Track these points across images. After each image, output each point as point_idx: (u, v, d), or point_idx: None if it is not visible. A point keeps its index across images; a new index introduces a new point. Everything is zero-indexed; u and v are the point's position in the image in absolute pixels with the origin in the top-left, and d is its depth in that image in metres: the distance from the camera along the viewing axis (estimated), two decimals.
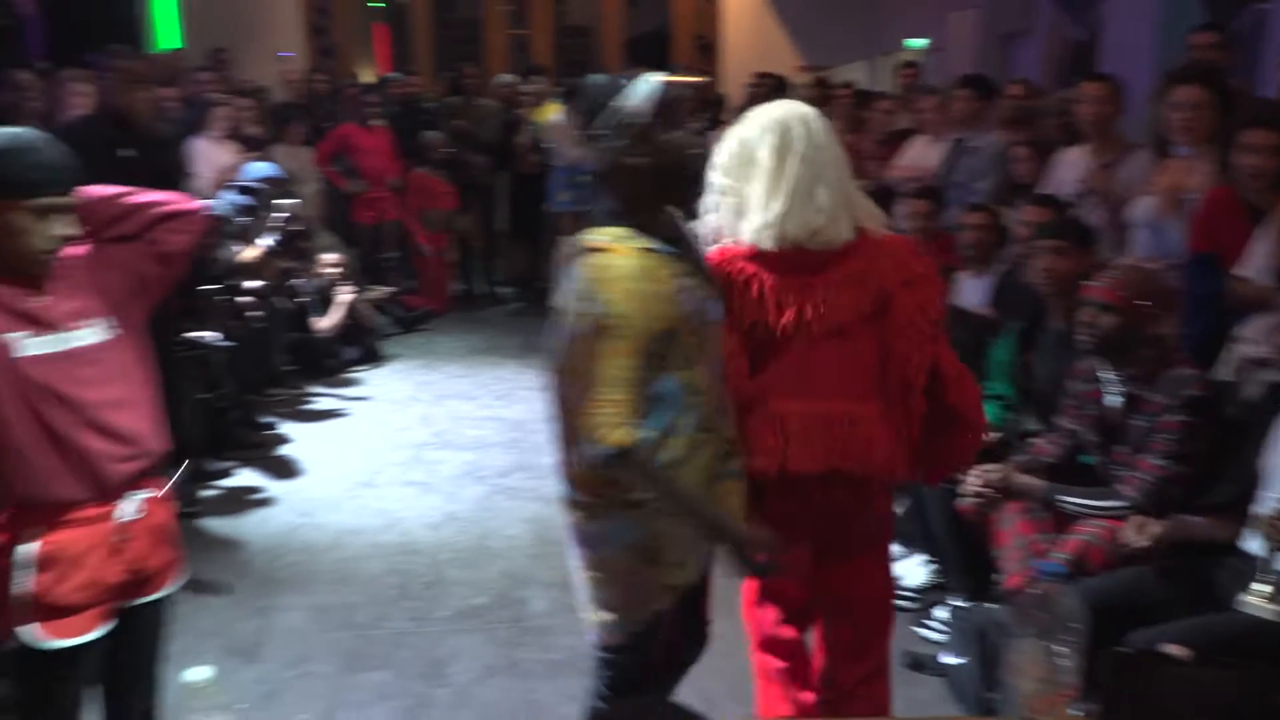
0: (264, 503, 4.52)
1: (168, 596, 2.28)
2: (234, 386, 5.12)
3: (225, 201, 5.13)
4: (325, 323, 6.40)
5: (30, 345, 1.98)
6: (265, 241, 5.81)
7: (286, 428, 5.47)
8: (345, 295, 6.51)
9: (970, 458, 2.55)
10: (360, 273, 7.37)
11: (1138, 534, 2.63)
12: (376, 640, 3.40)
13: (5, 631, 1.97)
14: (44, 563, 1.97)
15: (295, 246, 5.90)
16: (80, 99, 5.53)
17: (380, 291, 7.29)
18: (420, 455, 5.08)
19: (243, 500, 4.55)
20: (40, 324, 2.01)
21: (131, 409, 2.12)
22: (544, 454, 4.91)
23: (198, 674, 1.74)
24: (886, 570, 2.49)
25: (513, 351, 6.93)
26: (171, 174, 4.40)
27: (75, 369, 2.03)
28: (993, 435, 3.30)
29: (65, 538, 2.00)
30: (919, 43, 9.02)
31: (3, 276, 2.00)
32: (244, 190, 5.27)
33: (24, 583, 1.95)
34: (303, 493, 4.62)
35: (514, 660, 3.29)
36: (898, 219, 5.44)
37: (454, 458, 5.01)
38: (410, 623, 3.51)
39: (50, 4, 7.85)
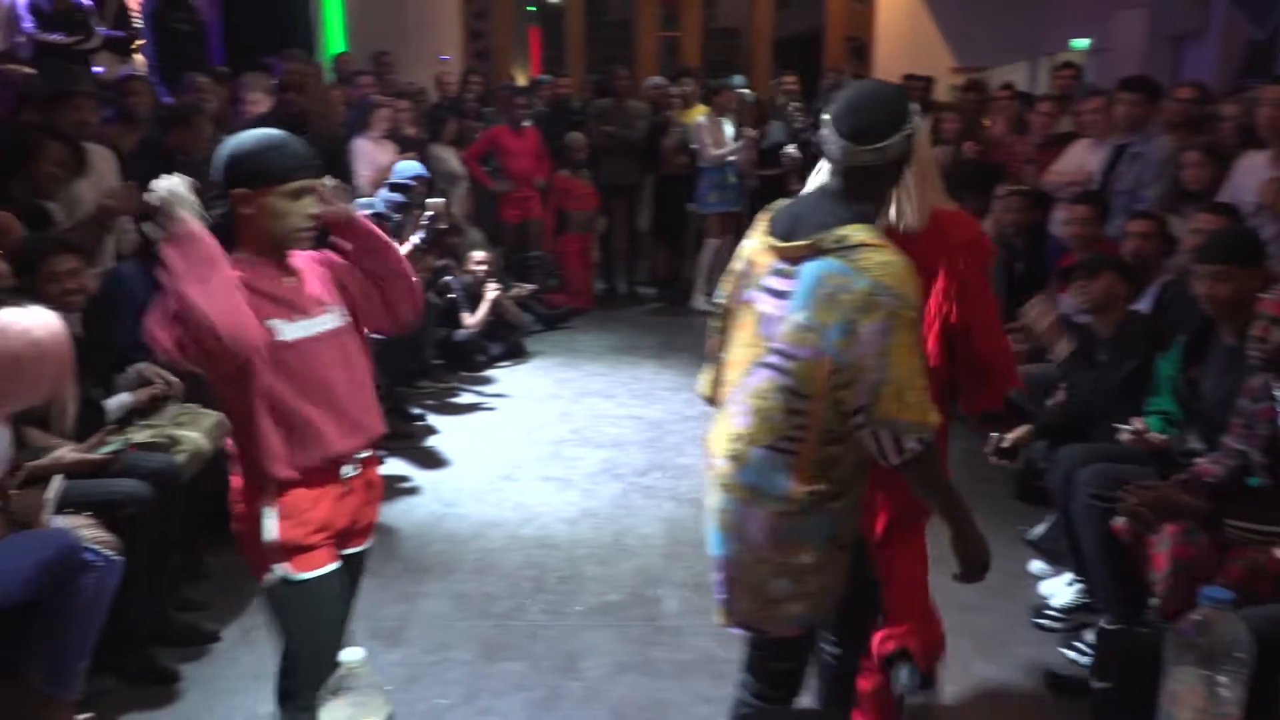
0: (411, 491, 4.67)
1: (367, 550, 2.55)
2: (385, 379, 5.30)
3: (381, 200, 5.35)
4: (472, 319, 6.57)
5: (286, 330, 2.23)
6: (414, 239, 6.04)
7: (434, 420, 5.64)
8: (492, 292, 6.66)
9: (998, 402, 2.62)
10: (505, 270, 7.56)
11: None
12: (513, 631, 3.47)
13: (263, 570, 2.28)
14: (284, 514, 2.25)
15: (443, 244, 6.10)
16: (257, 101, 5.84)
17: (525, 289, 7.45)
18: (559, 451, 5.16)
19: (392, 488, 4.70)
20: (294, 309, 2.26)
21: (360, 392, 2.37)
22: (681, 454, 5.00)
23: (351, 654, 1.85)
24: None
25: (652, 351, 6.98)
26: (340, 174, 4.59)
27: (320, 352, 2.28)
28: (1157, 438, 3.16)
29: (298, 494, 2.26)
30: (1083, 43, 8.68)
31: (259, 259, 2.26)
32: (395, 188, 5.48)
33: (272, 530, 2.24)
34: (447, 483, 4.75)
35: (646, 658, 3.30)
36: (1055, 224, 5.28)
37: (592, 455, 5.07)
38: (545, 616, 3.57)
39: (227, 11, 8.30)
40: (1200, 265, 3.20)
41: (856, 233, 2.01)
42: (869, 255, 1.98)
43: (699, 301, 8.17)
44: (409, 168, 6.06)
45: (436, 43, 9.97)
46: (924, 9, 10.18)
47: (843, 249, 2.00)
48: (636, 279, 8.77)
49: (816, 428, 2.05)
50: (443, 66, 9.41)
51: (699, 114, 8.00)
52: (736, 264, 2.27)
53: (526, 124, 7.86)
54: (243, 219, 2.25)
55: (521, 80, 10.57)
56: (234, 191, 2.22)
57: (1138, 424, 3.23)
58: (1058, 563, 3.71)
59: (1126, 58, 7.72)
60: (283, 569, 2.27)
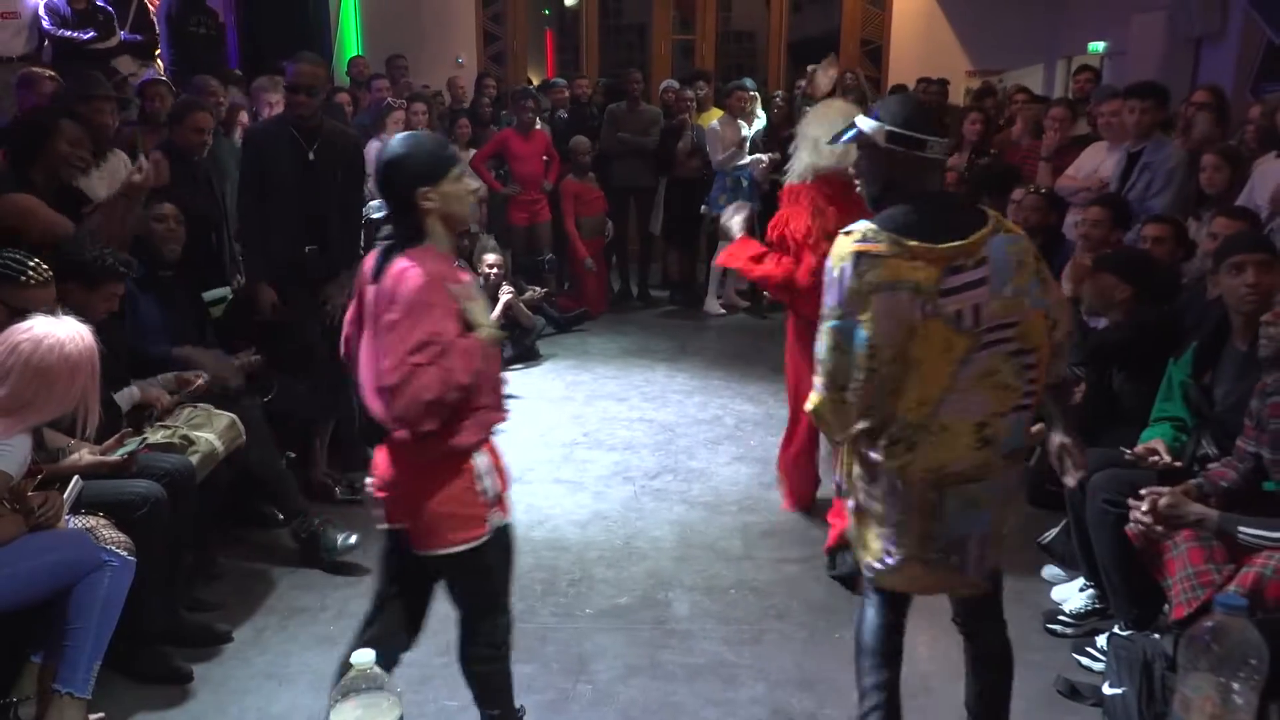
0: None
1: None
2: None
3: (380, 202, 5.37)
4: None
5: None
6: None
7: None
8: (504, 295, 6.68)
9: None
10: (515, 273, 7.57)
11: None
12: (523, 633, 3.45)
13: (482, 524, 2.48)
14: (491, 471, 2.53)
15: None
16: (275, 103, 5.87)
17: (536, 292, 7.46)
18: (571, 454, 5.16)
19: None
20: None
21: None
22: (693, 457, 4.99)
23: (361, 657, 1.86)
24: None
25: (664, 354, 6.98)
26: (356, 175, 4.61)
27: None
28: (1161, 460, 3.14)
29: (492, 454, 2.57)
30: (1100, 46, 8.65)
31: (447, 251, 2.45)
32: None
33: (493, 485, 2.51)
34: None
35: (656, 661, 3.30)
36: (1068, 227, 5.26)
37: (603, 458, 5.07)
38: (555, 618, 3.57)
39: (244, 14, 8.35)
40: (1246, 255, 3.15)
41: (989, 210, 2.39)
42: (1006, 223, 2.37)
43: (712, 305, 8.17)
44: None
45: (452, 46, 10.00)
46: (939, 12, 10.16)
47: (1000, 225, 2.32)
48: (649, 282, 8.77)
49: (1041, 377, 2.34)
50: (456, 70, 9.44)
51: (713, 118, 8.00)
52: (841, 343, 2.27)
53: (536, 127, 7.88)
54: (428, 214, 2.38)
55: (535, 82, 10.61)
56: (420, 190, 2.35)
57: (1143, 448, 3.21)
58: (1070, 567, 3.69)
59: (1145, 61, 7.67)
60: (498, 517, 2.53)
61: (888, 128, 2.31)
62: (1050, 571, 3.81)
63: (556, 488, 4.73)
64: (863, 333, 2.23)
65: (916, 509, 2.32)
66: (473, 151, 7.70)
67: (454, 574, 2.57)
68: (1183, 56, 7.57)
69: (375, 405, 2.37)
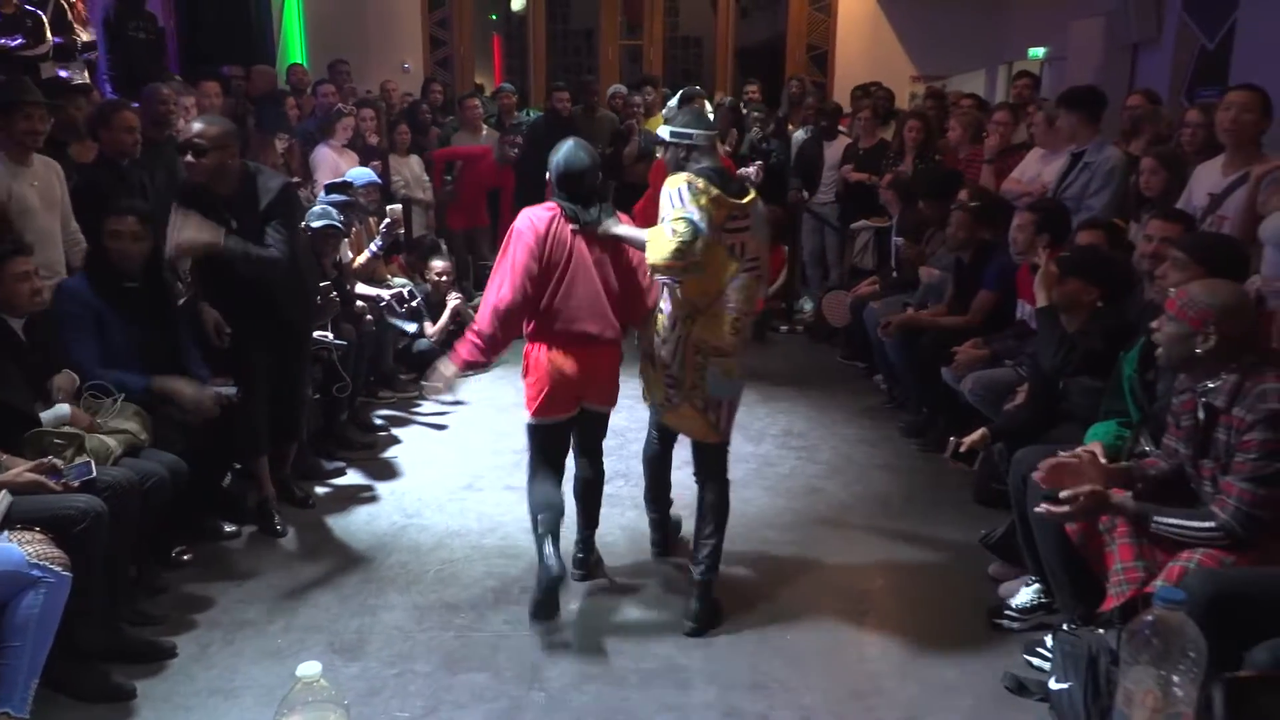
0: (372, 502, 4.63)
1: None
2: (348, 386, 5.27)
3: (324, 207, 5.33)
4: (433, 328, 6.54)
5: None
6: (373, 246, 6.00)
7: (395, 430, 5.61)
8: (452, 301, 6.63)
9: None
10: (462, 278, 7.53)
11: None
12: (475, 642, 3.44)
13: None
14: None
15: (399, 251, 6.08)
16: (188, 106, 5.80)
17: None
18: (522, 460, 5.07)
19: (352, 499, 4.67)
20: None
21: None
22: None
23: (308, 669, 1.82)
24: None
25: None
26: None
27: None
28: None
29: None
30: (1040, 52, 8.80)
31: None
32: (333, 189, 5.45)
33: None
34: (409, 494, 4.71)
35: (609, 667, 3.29)
36: (1012, 231, 5.35)
37: None
38: (508, 626, 3.55)
39: (185, 19, 8.22)
40: (1176, 252, 3.25)
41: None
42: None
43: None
44: (362, 174, 6.03)
45: (397, 51, 9.95)
46: (884, 18, 10.29)
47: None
48: None
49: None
50: (401, 76, 9.37)
51: (660, 123, 8.01)
52: (694, 225, 3.22)
53: (483, 132, 7.89)
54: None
55: (489, 88, 10.58)
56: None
57: (1081, 450, 3.25)
58: (1016, 565, 3.74)
59: (1083, 66, 7.82)
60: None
61: (671, 129, 3.48)
62: (996, 568, 3.85)
63: (508, 494, 4.70)
64: (701, 223, 3.24)
65: (690, 367, 3.40)
66: (413, 157, 7.65)
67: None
68: (1120, 62, 7.73)
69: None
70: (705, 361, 3.37)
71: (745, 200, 3.36)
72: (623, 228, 3.48)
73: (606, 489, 4.50)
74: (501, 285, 3.43)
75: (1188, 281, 3.08)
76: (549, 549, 3.42)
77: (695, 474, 3.65)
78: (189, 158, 3.85)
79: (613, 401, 3.71)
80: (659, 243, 3.22)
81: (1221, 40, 6.68)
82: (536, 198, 3.74)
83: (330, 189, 5.51)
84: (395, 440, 5.45)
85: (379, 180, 6.19)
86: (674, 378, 3.43)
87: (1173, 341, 2.82)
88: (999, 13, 9.99)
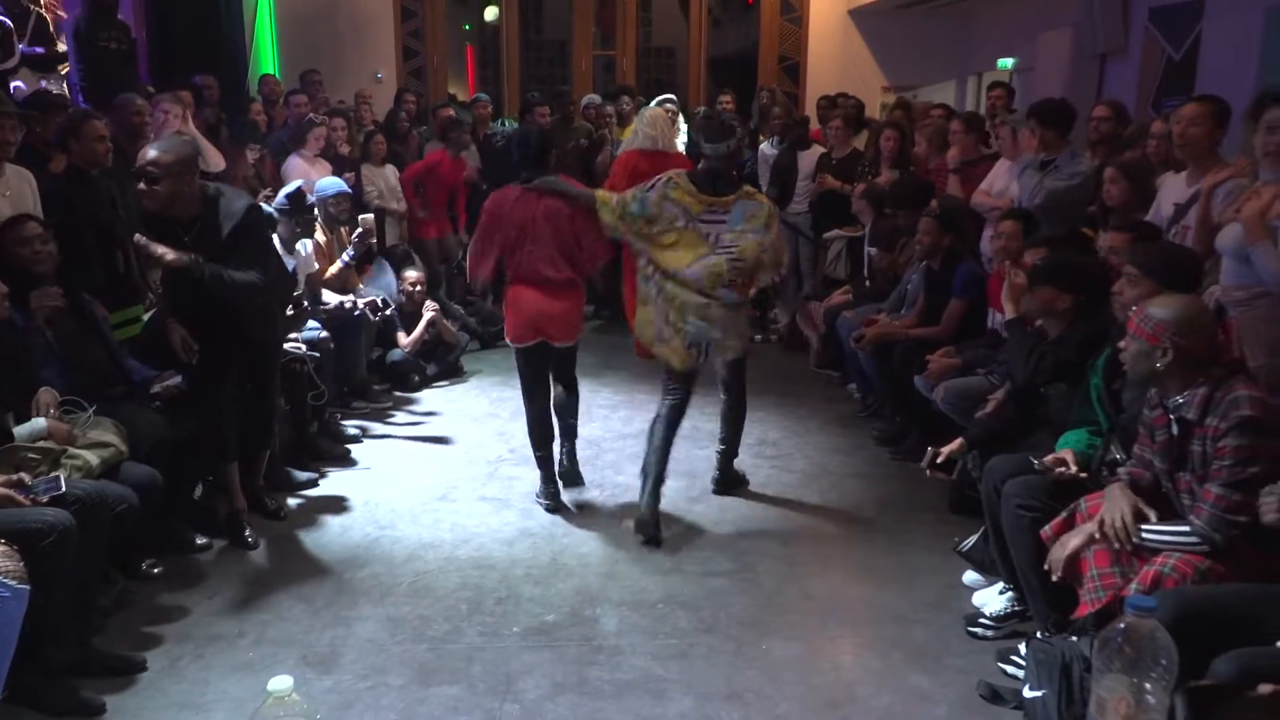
0: (345, 513, 4.60)
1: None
2: (323, 395, 5.24)
3: (273, 207, 5.34)
4: (407, 339, 6.52)
5: None
6: (345, 256, 5.99)
7: (369, 441, 5.57)
8: (428, 312, 6.61)
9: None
10: (437, 288, 7.51)
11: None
12: (449, 654, 3.42)
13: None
14: None
15: (372, 260, 6.09)
16: (167, 113, 5.76)
17: (459, 310, 7.42)
18: (496, 471, 5.12)
19: (325, 510, 4.63)
20: None
21: None
22: (619, 472, 5.01)
23: (279, 683, 1.81)
24: None
25: (589, 370, 6.91)
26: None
27: None
28: (1067, 473, 3.22)
29: None
30: (1009, 63, 8.90)
31: None
32: (289, 197, 5.46)
33: None
34: (383, 505, 4.68)
35: (583, 678, 3.28)
36: (984, 241, 5.39)
37: (530, 474, 5.01)
38: (482, 638, 3.53)
39: (157, 29, 8.15)
40: (1129, 267, 3.29)
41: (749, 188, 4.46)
42: (757, 194, 4.49)
43: None
44: (331, 183, 6.00)
45: (371, 61, 9.91)
46: (855, 30, 10.37)
47: (750, 195, 4.39)
48: None
49: (746, 272, 4.30)
50: (365, 86, 9.33)
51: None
52: (636, 203, 4.29)
53: (466, 153, 7.91)
54: None
55: (462, 98, 10.58)
56: None
57: (1052, 457, 3.28)
58: (989, 573, 3.76)
59: (1051, 77, 7.91)
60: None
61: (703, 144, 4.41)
62: (970, 577, 3.87)
63: (482, 505, 4.69)
64: (645, 204, 4.27)
65: (672, 322, 4.30)
66: (389, 167, 7.63)
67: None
68: (1088, 72, 7.82)
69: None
70: (684, 313, 4.27)
71: (724, 198, 4.27)
72: (565, 186, 4.44)
73: (582, 498, 4.49)
74: (475, 243, 4.60)
75: (1143, 295, 3.13)
76: (546, 472, 4.68)
77: (723, 389, 4.77)
78: (142, 185, 3.84)
79: (570, 338, 4.56)
80: (604, 204, 4.35)
81: (1187, 51, 6.78)
82: None
83: (286, 197, 5.49)
84: (369, 452, 5.41)
85: (349, 190, 6.16)
86: (660, 323, 4.37)
87: (1135, 359, 2.85)
88: (968, 24, 10.09)
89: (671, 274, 4.25)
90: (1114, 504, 2.91)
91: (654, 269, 4.31)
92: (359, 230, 5.82)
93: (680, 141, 8.05)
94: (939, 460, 3.85)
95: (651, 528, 4.28)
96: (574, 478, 4.89)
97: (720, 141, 4.30)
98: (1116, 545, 2.85)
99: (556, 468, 4.75)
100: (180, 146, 3.98)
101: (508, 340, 4.63)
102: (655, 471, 4.39)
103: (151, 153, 3.85)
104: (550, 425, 4.69)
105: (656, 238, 4.26)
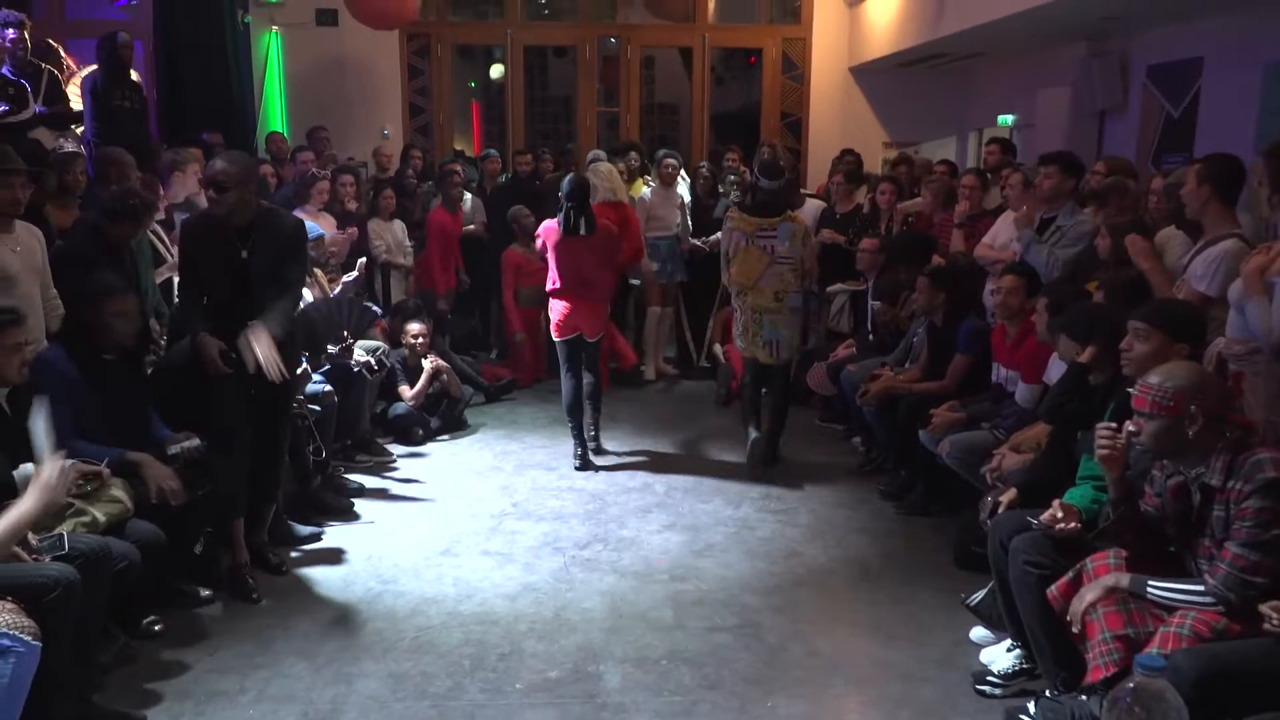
0: (347, 568, 4.58)
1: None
2: (323, 450, 5.24)
3: None
4: (410, 392, 6.53)
5: None
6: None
7: (372, 495, 5.56)
8: (429, 365, 6.63)
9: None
10: (442, 340, 7.55)
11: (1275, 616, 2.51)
12: (451, 711, 3.39)
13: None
14: None
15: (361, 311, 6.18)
16: (190, 176, 5.85)
17: (462, 362, 7.44)
18: (500, 525, 5.11)
19: (328, 564, 4.61)
20: None
21: None
22: (623, 526, 4.99)
23: None
24: None
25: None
26: None
27: None
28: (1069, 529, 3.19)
29: None
30: (1009, 119, 9.00)
31: None
32: None
33: None
34: (385, 559, 4.66)
35: None
36: (986, 295, 5.41)
37: (533, 528, 5.02)
38: (484, 695, 3.50)
39: (168, 88, 8.30)
40: (1132, 322, 3.30)
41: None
42: (795, 216, 5.90)
43: (649, 372, 8.20)
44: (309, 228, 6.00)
45: (378, 117, 10.03)
46: (855, 87, 10.49)
47: (789, 218, 5.76)
48: None
49: (802, 277, 5.80)
50: (381, 142, 9.47)
51: (642, 187, 8.12)
52: (731, 238, 5.79)
53: (463, 200, 7.98)
54: None
55: (469, 154, 10.71)
56: None
57: (1049, 514, 3.25)
58: (997, 629, 3.73)
59: (1051, 133, 7.99)
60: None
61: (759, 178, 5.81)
62: (978, 633, 3.84)
63: (485, 560, 4.66)
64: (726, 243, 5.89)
65: (750, 322, 5.77)
66: (397, 222, 7.70)
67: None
68: (1088, 129, 7.91)
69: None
70: (761, 318, 5.73)
71: (771, 219, 5.68)
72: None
73: (583, 553, 4.49)
74: (549, 267, 6.00)
75: (1152, 351, 3.15)
76: (578, 438, 6.07)
77: (765, 392, 6.03)
78: (211, 193, 4.16)
79: (597, 334, 6.08)
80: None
81: (1186, 108, 6.86)
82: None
83: None
84: (371, 505, 5.40)
85: (323, 233, 6.26)
86: (743, 326, 5.82)
87: (1160, 436, 2.80)
88: (968, 81, 10.22)
89: (750, 285, 5.70)
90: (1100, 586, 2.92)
91: (737, 286, 5.78)
92: (346, 280, 6.04)
93: (683, 192, 8.16)
94: (1001, 511, 3.79)
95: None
96: (598, 448, 6.26)
97: (773, 180, 5.70)
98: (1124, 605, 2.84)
99: (586, 433, 6.12)
100: (244, 159, 4.39)
101: (555, 335, 6.02)
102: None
103: (219, 163, 4.18)
104: (581, 400, 6.06)
105: (732, 259, 5.76)
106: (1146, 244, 4.20)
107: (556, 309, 5.97)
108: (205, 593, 4.17)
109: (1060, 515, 3.19)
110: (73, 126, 6.56)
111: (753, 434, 5.89)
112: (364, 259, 6.41)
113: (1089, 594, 2.91)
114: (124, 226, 4.60)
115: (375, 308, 6.40)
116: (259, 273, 4.19)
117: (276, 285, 4.20)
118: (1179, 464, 2.87)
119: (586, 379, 6.06)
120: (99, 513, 3.48)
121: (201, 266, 4.24)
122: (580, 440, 6.07)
